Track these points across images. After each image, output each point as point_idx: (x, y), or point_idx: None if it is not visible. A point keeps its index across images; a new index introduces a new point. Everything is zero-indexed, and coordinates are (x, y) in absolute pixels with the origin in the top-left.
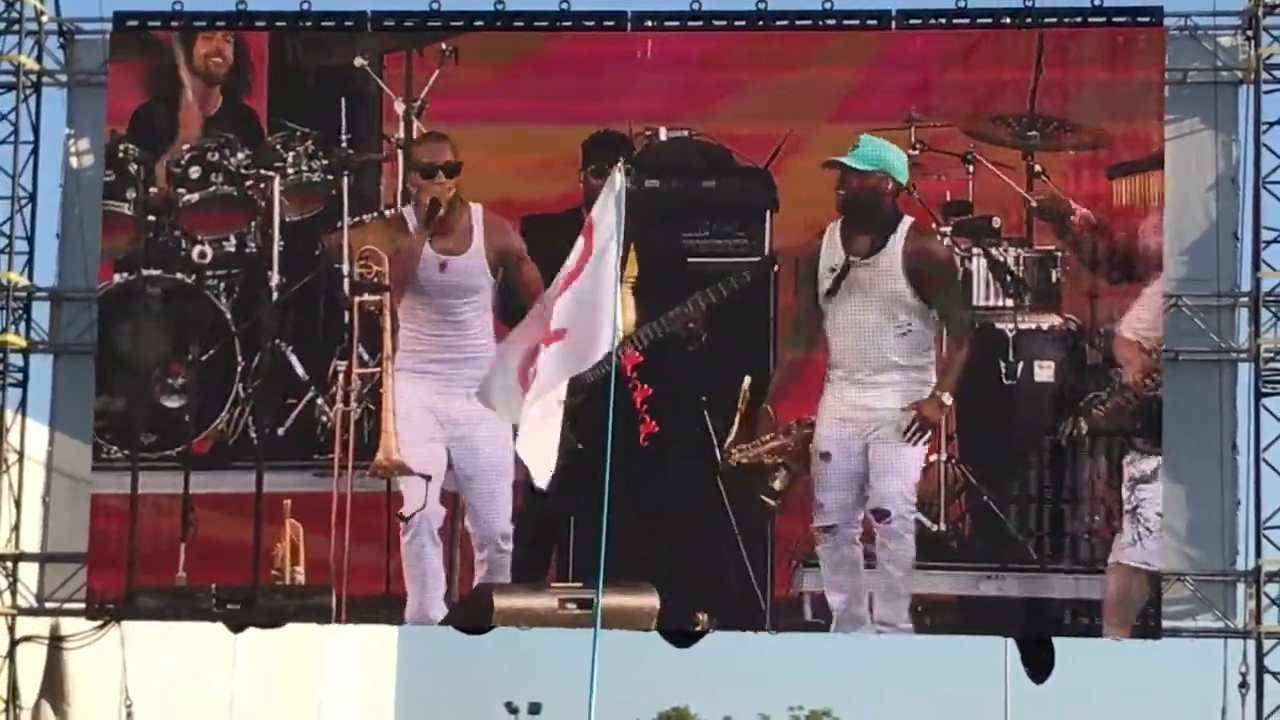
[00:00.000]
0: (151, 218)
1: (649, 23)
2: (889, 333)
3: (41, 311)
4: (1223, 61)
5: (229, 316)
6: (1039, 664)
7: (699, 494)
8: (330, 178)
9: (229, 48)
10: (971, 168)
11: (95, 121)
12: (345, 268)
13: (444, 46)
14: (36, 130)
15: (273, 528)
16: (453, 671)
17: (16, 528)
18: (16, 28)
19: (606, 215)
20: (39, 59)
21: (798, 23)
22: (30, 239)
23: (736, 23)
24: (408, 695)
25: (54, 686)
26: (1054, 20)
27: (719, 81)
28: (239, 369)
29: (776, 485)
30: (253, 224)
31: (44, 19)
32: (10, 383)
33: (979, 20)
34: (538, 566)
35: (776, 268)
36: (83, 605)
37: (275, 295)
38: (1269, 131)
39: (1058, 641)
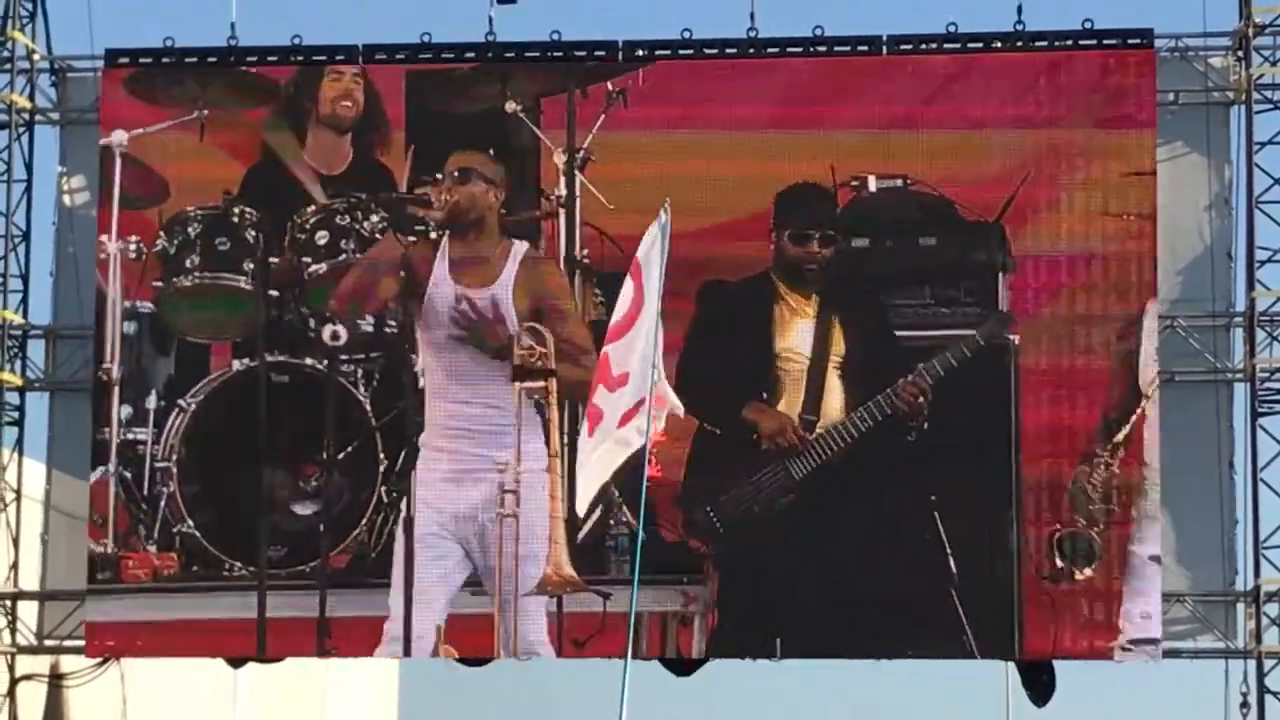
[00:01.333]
0: (274, 293)
1: (640, 52)
2: None
3: (37, 349)
4: (1214, 82)
5: (368, 408)
6: (1039, 686)
7: (932, 615)
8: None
9: (359, 90)
10: None
11: (88, 159)
12: None
13: (610, 87)
14: (30, 168)
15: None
16: (455, 703)
17: (15, 566)
18: (8, 66)
19: (653, 254)
20: (31, 97)
21: (789, 50)
22: (25, 277)
23: (728, 50)
24: None
25: None
26: (1045, 44)
27: (933, 116)
28: (381, 469)
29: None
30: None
31: (35, 57)
32: (6, 421)
33: (970, 45)
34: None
35: (1016, 338)
36: (82, 643)
37: (421, 382)
38: (1261, 151)
39: (1057, 664)
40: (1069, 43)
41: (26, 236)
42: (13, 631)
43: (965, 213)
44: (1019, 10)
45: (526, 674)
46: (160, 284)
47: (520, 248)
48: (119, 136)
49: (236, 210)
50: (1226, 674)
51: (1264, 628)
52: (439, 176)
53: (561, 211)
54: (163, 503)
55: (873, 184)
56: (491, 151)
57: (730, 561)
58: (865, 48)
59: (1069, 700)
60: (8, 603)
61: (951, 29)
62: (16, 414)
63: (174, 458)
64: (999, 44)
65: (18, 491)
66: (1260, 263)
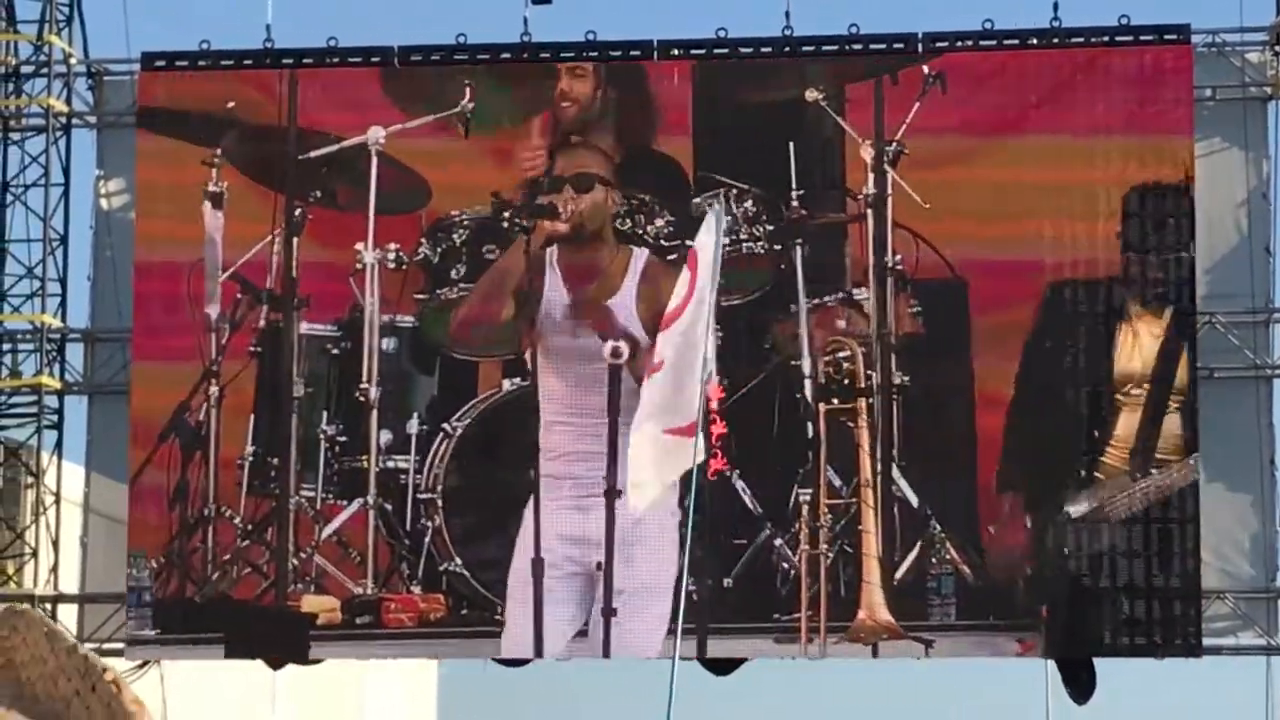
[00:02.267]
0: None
1: (675, 51)
2: None
3: (75, 353)
4: (1250, 77)
5: None
6: (1080, 684)
7: None
8: (779, 247)
9: (583, 84)
10: None
11: (126, 162)
12: (806, 365)
13: (926, 71)
14: (67, 172)
15: None
16: (493, 704)
17: (55, 569)
18: (45, 70)
19: (705, 253)
20: (68, 101)
21: (824, 48)
22: (63, 281)
23: (763, 49)
24: None
25: None
26: (1081, 40)
27: None
28: None
29: None
30: None
31: (72, 61)
32: (46, 424)
33: (1005, 42)
34: None
35: None
36: (122, 645)
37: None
38: None
39: (1098, 661)
40: (1105, 39)
41: (64, 240)
42: None
43: None
44: (1055, 7)
45: (564, 675)
46: (423, 296)
47: (640, 256)
48: (375, 133)
49: (506, 215)
50: (1268, 670)
51: None
52: (541, 181)
53: (869, 213)
54: (427, 538)
55: None
56: (795, 146)
57: (1064, 603)
58: (901, 45)
59: (1109, 698)
60: (48, 605)
61: (987, 25)
62: (55, 417)
63: (439, 488)
64: (1035, 40)
65: (57, 495)
66: None
